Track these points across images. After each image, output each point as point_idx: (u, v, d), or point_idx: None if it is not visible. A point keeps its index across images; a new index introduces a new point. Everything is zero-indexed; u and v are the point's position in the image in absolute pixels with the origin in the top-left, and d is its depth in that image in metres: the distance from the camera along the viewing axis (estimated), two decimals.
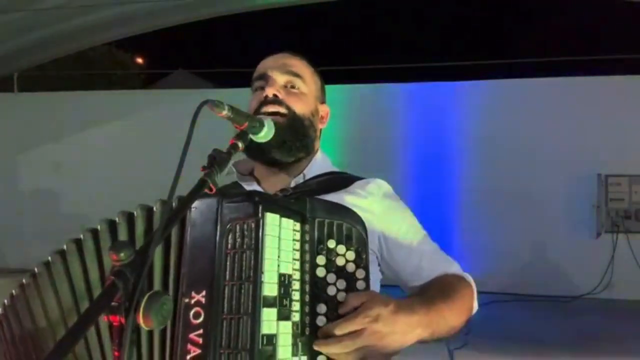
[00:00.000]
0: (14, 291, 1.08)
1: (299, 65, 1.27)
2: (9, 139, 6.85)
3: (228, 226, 0.91)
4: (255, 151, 1.20)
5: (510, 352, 3.75)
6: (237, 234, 0.91)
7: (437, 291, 1.10)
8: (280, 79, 1.23)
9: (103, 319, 0.73)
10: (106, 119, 6.68)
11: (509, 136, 5.69)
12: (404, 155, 5.95)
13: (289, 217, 0.97)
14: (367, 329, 0.92)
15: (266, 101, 1.20)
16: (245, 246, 0.90)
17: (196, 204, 0.93)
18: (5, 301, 1.10)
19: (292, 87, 1.23)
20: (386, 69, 6.98)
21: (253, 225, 0.90)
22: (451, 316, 1.07)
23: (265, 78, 1.24)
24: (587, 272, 5.42)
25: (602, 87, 5.68)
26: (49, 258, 1.06)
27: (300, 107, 1.23)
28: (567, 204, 5.67)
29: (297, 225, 0.98)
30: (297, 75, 1.24)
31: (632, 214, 5.52)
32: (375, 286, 1.19)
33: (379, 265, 1.23)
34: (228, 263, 0.90)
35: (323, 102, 1.33)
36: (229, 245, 0.90)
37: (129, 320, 0.70)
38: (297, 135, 1.21)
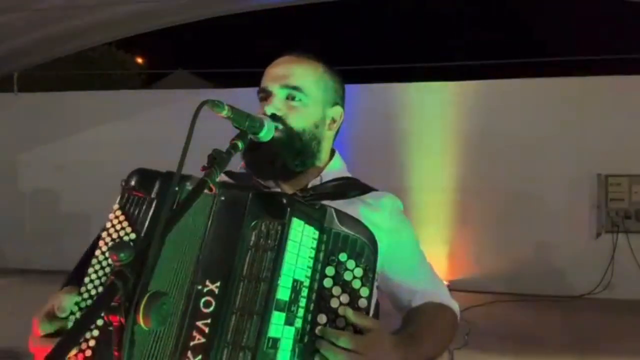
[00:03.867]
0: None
1: (302, 73, 1.23)
2: (9, 139, 6.85)
3: (253, 223, 0.91)
4: (249, 166, 1.22)
5: (510, 352, 3.74)
6: (262, 233, 0.91)
7: (425, 326, 1.15)
8: (280, 93, 1.21)
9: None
10: (106, 119, 6.68)
11: (509, 136, 5.69)
12: (403, 156, 5.95)
13: (311, 224, 0.97)
14: (369, 355, 0.94)
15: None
16: (267, 246, 0.90)
17: (224, 193, 0.93)
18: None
19: (293, 98, 1.21)
20: (386, 69, 6.98)
21: (279, 227, 0.91)
22: (432, 352, 1.13)
23: (266, 91, 1.22)
24: (587, 272, 5.42)
25: (603, 87, 5.68)
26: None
27: (300, 122, 1.21)
28: (567, 204, 5.66)
29: (316, 234, 0.99)
30: (296, 88, 1.21)
31: (632, 214, 5.52)
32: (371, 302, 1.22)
33: (376, 280, 1.24)
34: (247, 259, 0.90)
35: (336, 103, 1.29)
36: (252, 242, 0.91)
37: (129, 320, 0.71)
38: (291, 153, 1.20)
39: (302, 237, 0.94)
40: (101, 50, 14.33)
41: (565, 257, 5.54)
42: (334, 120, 1.29)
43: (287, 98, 1.21)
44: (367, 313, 1.00)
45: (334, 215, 1.02)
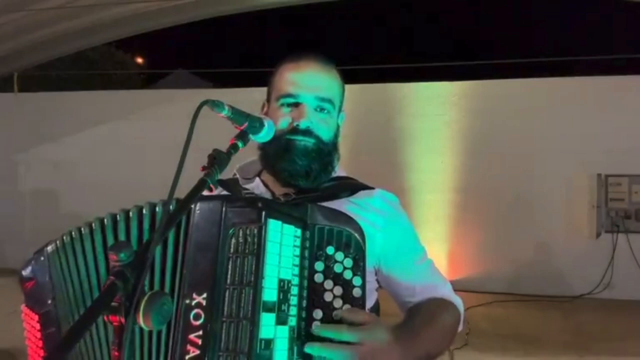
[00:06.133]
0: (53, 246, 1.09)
1: (332, 84, 1.23)
2: (9, 139, 6.85)
3: (231, 230, 0.92)
4: (280, 176, 1.21)
5: (510, 352, 3.75)
6: (240, 239, 0.92)
7: (425, 321, 1.13)
8: (312, 104, 1.20)
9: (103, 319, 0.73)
10: (106, 119, 6.68)
11: (509, 136, 5.69)
12: (403, 156, 5.95)
13: (290, 223, 0.97)
14: (367, 347, 0.94)
15: (297, 130, 1.18)
16: (247, 251, 0.91)
17: (200, 206, 0.94)
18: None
19: (322, 110, 1.21)
20: (386, 69, 6.97)
21: (256, 231, 0.91)
22: (433, 348, 1.11)
23: (296, 100, 1.20)
24: (587, 272, 5.42)
25: (602, 87, 5.68)
26: (93, 224, 1.05)
27: (328, 134, 1.21)
28: (567, 204, 5.67)
29: (298, 232, 0.99)
30: (330, 101, 1.21)
31: (632, 214, 5.52)
32: (371, 296, 1.22)
33: (376, 275, 1.23)
34: (230, 267, 0.91)
35: (341, 110, 1.30)
36: (231, 249, 0.91)
37: (129, 320, 0.71)
38: (322, 164, 1.20)
39: (282, 237, 0.95)
40: (101, 50, 14.31)
41: (565, 257, 5.54)
42: (338, 127, 1.30)
43: (316, 109, 1.21)
44: (363, 302, 1.00)
45: (317, 211, 1.02)
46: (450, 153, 5.88)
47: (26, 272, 1.12)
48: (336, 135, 1.25)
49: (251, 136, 1.08)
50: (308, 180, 1.19)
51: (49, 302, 1.06)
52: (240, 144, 1.03)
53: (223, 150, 0.98)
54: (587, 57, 6.92)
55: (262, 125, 1.10)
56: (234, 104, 1.04)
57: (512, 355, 3.70)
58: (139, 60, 18.67)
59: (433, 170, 5.87)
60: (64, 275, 1.05)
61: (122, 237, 1.00)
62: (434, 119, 5.93)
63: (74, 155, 6.64)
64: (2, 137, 6.85)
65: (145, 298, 0.71)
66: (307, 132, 1.18)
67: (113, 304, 0.70)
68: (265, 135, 1.11)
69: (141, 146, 6.35)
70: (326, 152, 1.21)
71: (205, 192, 0.90)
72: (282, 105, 1.21)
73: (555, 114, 5.64)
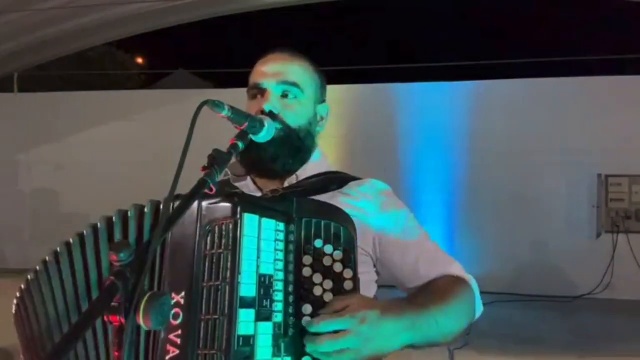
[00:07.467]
0: (29, 277, 1.09)
1: (297, 70, 1.23)
2: (9, 139, 6.85)
3: (207, 227, 0.91)
4: (250, 165, 1.21)
5: (510, 352, 3.74)
6: (216, 235, 0.91)
7: (431, 294, 1.08)
8: (276, 90, 1.20)
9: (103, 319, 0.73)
10: (106, 119, 6.68)
11: (509, 136, 5.69)
12: (403, 156, 5.95)
13: (271, 217, 0.96)
14: (352, 330, 0.91)
15: (262, 114, 1.16)
16: (223, 247, 0.90)
17: (176, 204, 0.93)
18: (21, 286, 1.09)
19: (288, 96, 1.20)
20: (386, 69, 6.97)
21: (231, 226, 0.90)
22: (445, 321, 1.04)
23: (260, 89, 1.21)
24: (587, 272, 5.42)
25: (602, 87, 5.68)
26: (57, 248, 1.05)
27: (297, 119, 1.20)
28: (567, 204, 5.66)
29: (281, 225, 0.98)
30: (294, 84, 1.20)
31: (632, 214, 5.52)
32: (370, 287, 1.19)
33: (375, 266, 1.21)
34: (206, 264, 0.90)
35: (322, 101, 1.30)
36: (208, 246, 0.91)
37: (129, 320, 0.71)
38: (291, 151, 1.19)
39: (260, 232, 0.93)
40: (101, 50, 14.32)
41: (565, 257, 5.54)
42: (321, 118, 1.29)
43: (283, 95, 1.20)
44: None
45: (303, 204, 1.01)
46: (450, 153, 5.88)
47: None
48: (311, 123, 1.24)
49: (251, 136, 1.08)
50: (276, 164, 1.18)
51: (28, 341, 1.07)
52: (240, 144, 1.03)
53: (223, 150, 0.98)
54: (587, 57, 6.92)
55: (262, 125, 1.10)
56: (234, 104, 1.04)
57: (512, 355, 3.70)
58: (139, 60, 18.69)
59: (433, 170, 5.87)
60: (28, 315, 1.05)
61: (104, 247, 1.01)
62: (434, 119, 5.93)
63: (74, 155, 6.63)
64: (2, 137, 6.84)
65: (145, 298, 0.71)
66: (272, 116, 1.16)
67: (113, 304, 0.70)
68: (265, 135, 1.11)
69: (141, 146, 6.34)
70: (294, 137, 1.19)
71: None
72: (251, 97, 1.23)
73: (555, 114, 5.64)
